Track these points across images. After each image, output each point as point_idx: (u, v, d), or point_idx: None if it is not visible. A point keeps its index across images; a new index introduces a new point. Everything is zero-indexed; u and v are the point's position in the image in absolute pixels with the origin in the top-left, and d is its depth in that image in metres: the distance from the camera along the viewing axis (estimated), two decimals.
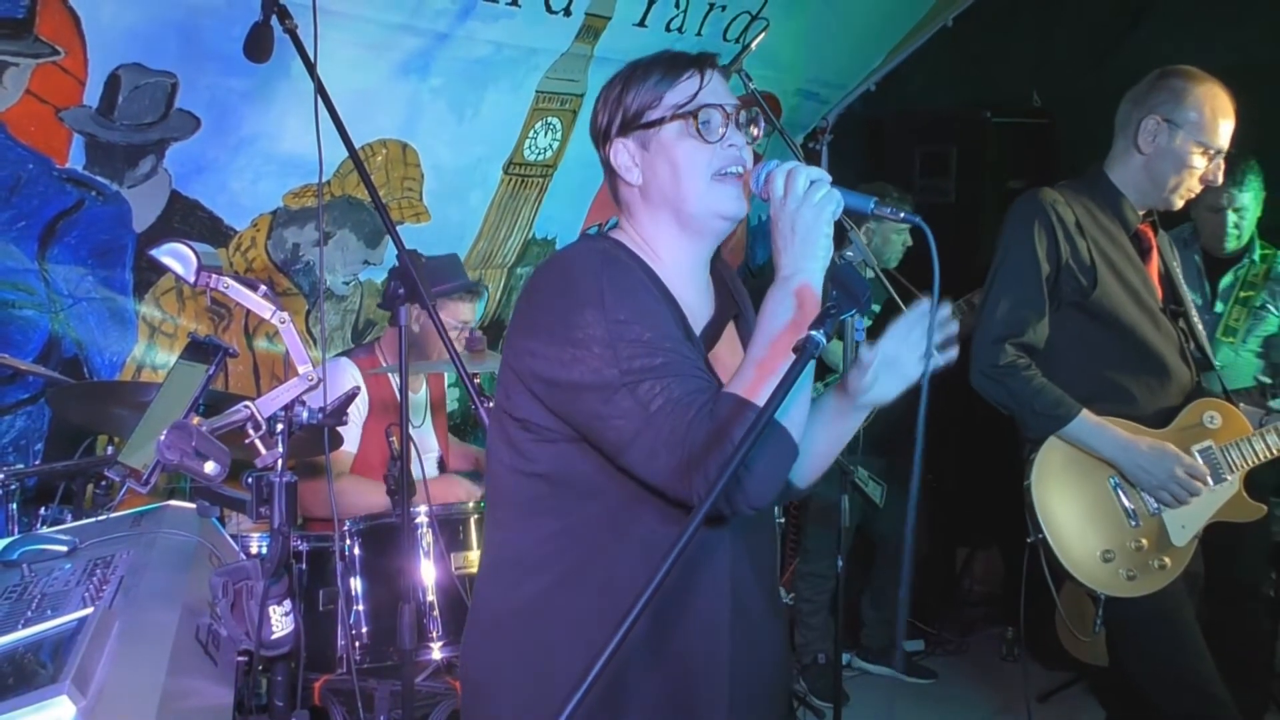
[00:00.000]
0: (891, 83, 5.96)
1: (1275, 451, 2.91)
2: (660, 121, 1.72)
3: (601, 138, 1.80)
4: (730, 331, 1.87)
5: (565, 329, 1.61)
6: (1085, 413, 2.83)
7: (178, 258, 2.10)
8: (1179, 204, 2.95)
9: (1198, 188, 2.90)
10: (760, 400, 1.51)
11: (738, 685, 1.75)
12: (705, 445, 1.52)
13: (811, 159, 5.97)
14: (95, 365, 3.73)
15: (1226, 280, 3.95)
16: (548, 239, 5.06)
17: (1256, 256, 3.95)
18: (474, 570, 3.13)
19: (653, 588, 1.22)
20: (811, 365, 1.59)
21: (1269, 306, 3.92)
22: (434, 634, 3.08)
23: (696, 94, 1.71)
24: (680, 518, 1.57)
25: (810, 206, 1.62)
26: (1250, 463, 2.91)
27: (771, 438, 1.54)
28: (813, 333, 1.49)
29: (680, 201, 1.73)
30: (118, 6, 3.22)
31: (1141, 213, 2.97)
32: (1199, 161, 2.85)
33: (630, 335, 1.58)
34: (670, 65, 1.74)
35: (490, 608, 1.79)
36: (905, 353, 1.76)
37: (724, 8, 4.73)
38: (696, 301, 1.81)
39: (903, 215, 1.66)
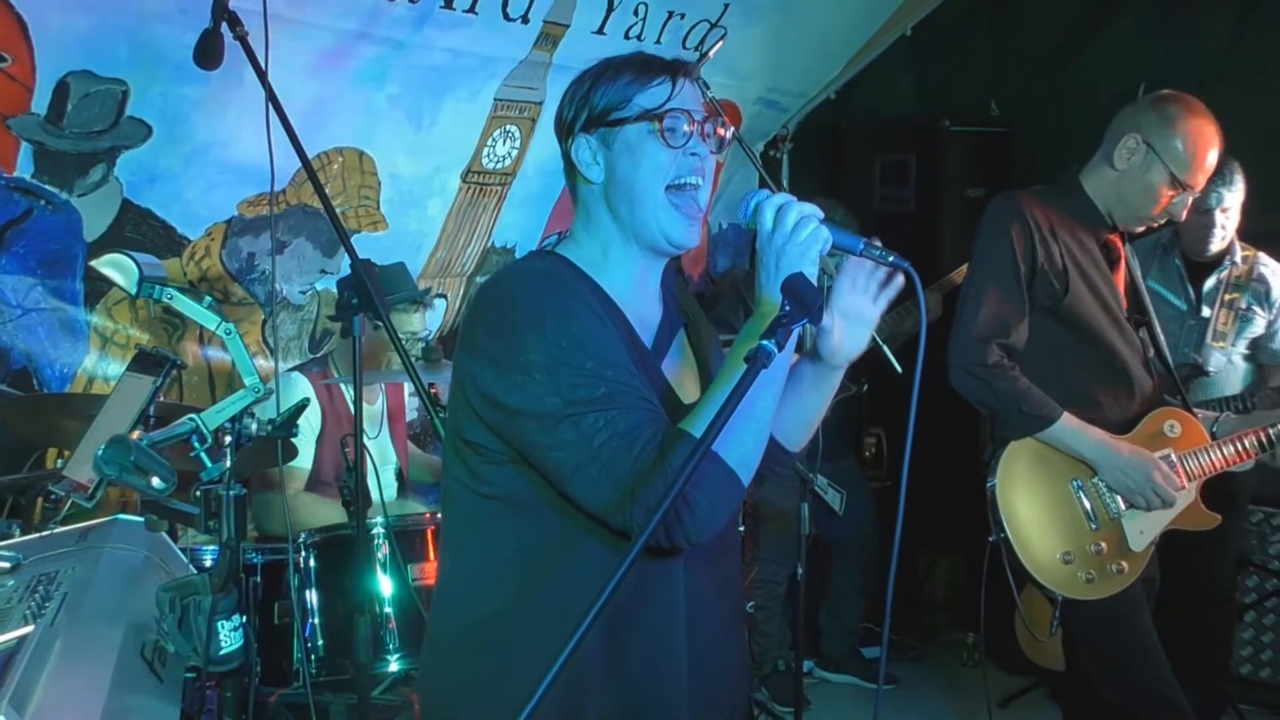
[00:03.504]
0: (851, 91, 5.98)
1: (1231, 462, 2.95)
2: (626, 120, 1.70)
3: (565, 132, 1.78)
4: (680, 341, 1.86)
5: (507, 354, 1.59)
6: (1067, 415, 2.85)
7: (119, 268, 2.07)
8: (1138, 229, 2.98)
9: (1161, 218, 2.91)
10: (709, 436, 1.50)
11: (698, 695, 1.73)
12: (650, 481, 1.51)
13: (772, 167, 5.99)
14: (45, 377, 3.67)
15: (1209, 284, 3.89)
16: (507, 247, 5.04)
17: (1238, 258, 3.88)
18: (431, 582, 3.11)
19: (590, 618, 1.24)
20: (775, 389, 1.61)
21: (1254, 308, 3.87)
22: (390, 646, 3.06)
23: (667, 100, 1.70)
24: (626, 544, 1.56)
25: (796, 244, 1.61)
26: (1207, 472, 2.95)
27: (715, 475, 1.54)
28: (763, 342, 1.49)
29: (635, 205, 1.72)
30: (66, 13, 3.18)
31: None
32: (1167, 193, 2.84)
33: (573, 362, 1.57)
34: (643, 68, 1.72)
35: (446, 628, 1.78)
36: (860, 301, 1.81)
37: (683, 15, 4.73)
38: (646, 310, 1.79)
39: (891, 259, 1.65)
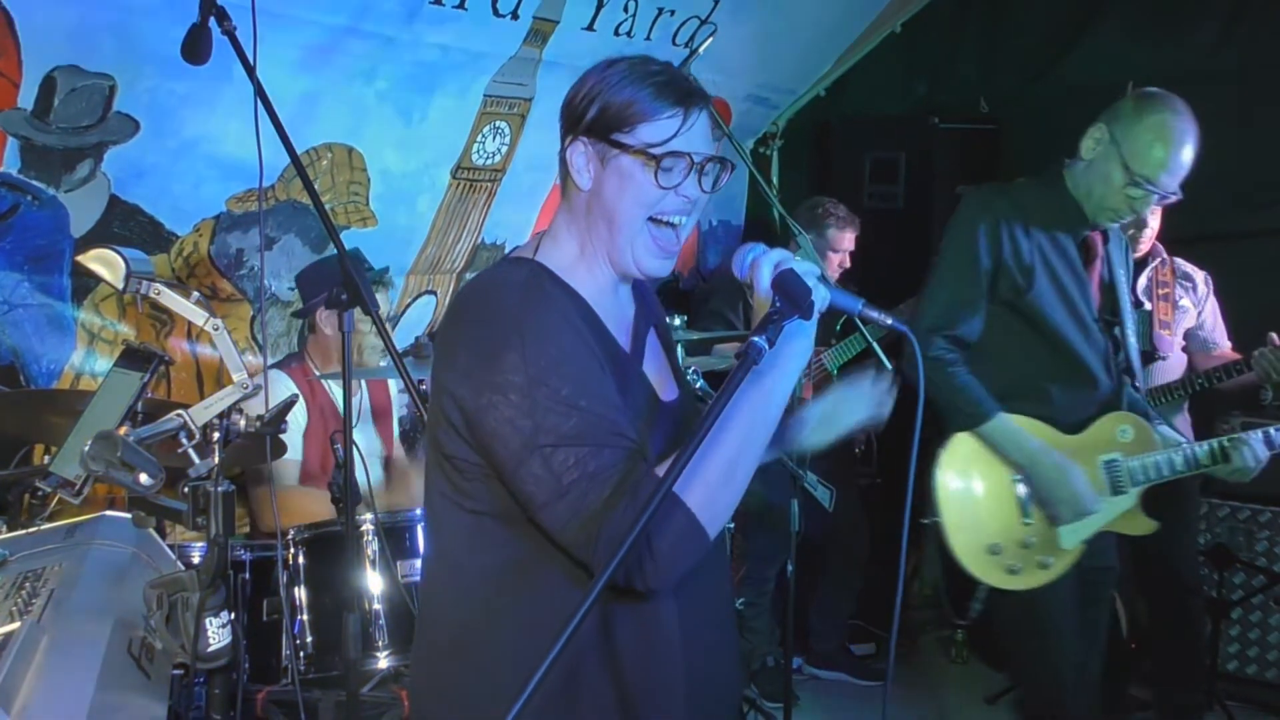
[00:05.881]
0: (841, 88, 5.99)
1: (1177, 471, 2.92)
2: (626, 148, 1.66)
3: (569, 126, 1.72)
4: (653, 338, 1.86)
5: (484, 371, 1.57)
6: (1001, 416, 2.87)
7: (106, 264, 2.06)
8: (1105, 222, 2.92)
9: (1126, 215, 2.87)
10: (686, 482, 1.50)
11: (697, 692, 1.73)
12: (619, 525, 1.49)
13: (762, 164, 6.00)
14: (32, 373, 3.65)
15: (1142, 282, 4.09)
16: (497, 244, 5.03)
17: (1164, 255, 4.12)
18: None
19: (561, 644, 1.26)
20: (769, 407, 1.58)
21: (1184, 299, 4.11)
22: (379, 643, 3.05)
23: (671, 139, 1.65)
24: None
25: None
26: (1150, 479, 2.93)
27: (680, 524, 1.52)
28: (755, 339, 1.49)
29: (613, 228, 1.70)
30: (53, 7, 3.16)
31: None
32: (1123, 187, 2.80)
33: (549, 384, 1.54)
34: (659, 93, 1.66)
35: (434, 632, 1.78)
36: (843, 413, 1.88)
37: (673, 12, 4.73)
38: (619, 311, 1.79)
39: (890, 322, 1.63)
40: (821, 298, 1.59)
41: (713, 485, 1.53)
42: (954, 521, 2.96)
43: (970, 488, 2.96)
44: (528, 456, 1.54)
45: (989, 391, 2.91)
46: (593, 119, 1.68)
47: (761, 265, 1.61)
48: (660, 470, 1.54)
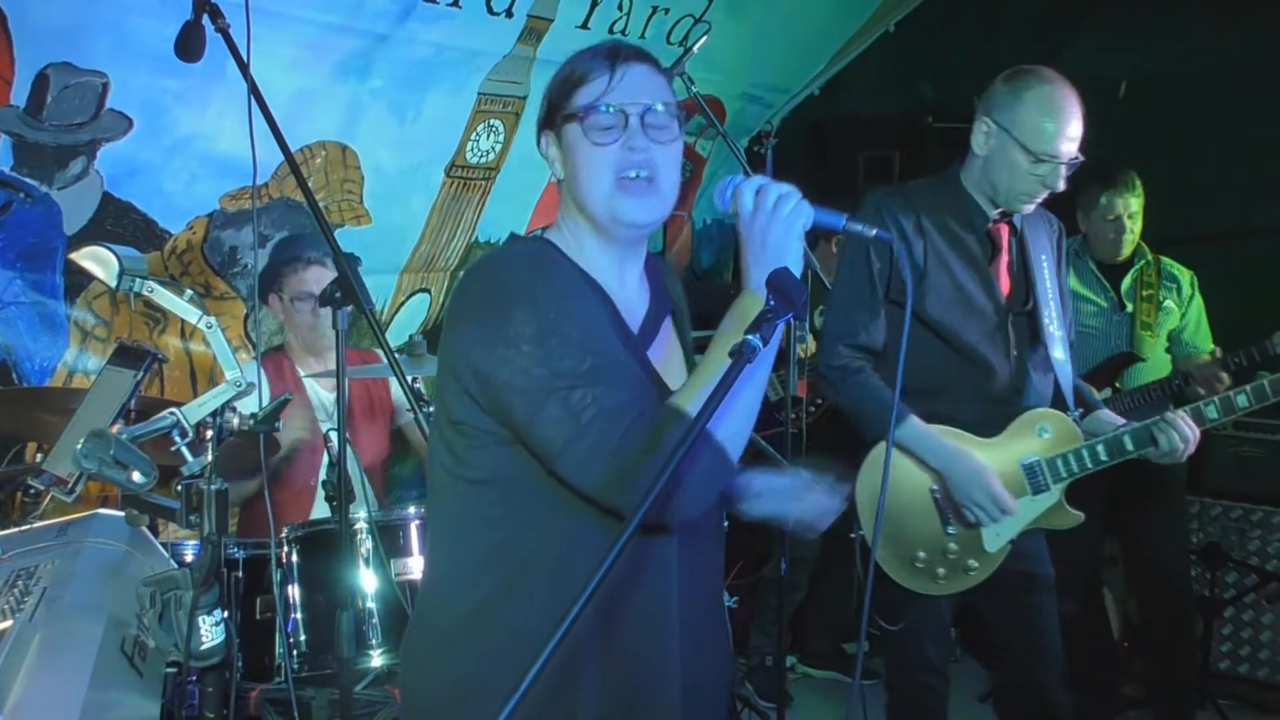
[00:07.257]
0: (835, 87, 6.00)
1: (1101, 463, 2.88)
2: (567, 119, 1.70)
3: (540, 126, 1.79)
4: (667, 328, 1.86)
5: (496, 327, 1.59)
6: (913, 420, 2.85)
7: (99, 261, 2.06)
8: (1022, 208, 2.88)
9: (1039, 192, 2.83)
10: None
11: (689, 683, 1.75)
12: (640, 457, 1.50)
13: (756, 163, 6.00)
14: (25, 371, 3.64)
15: (1126, 283, 4.11)
16: (491, 242, 5.03)
17: (1148, 257, 4.12)
18: (414, 576, 3.10)
19: (585, 597, 1.22)
20: (762, 375, 1.62)
21: (1168, 301, 4.12)
22: (373, 641, 3.04)
23: (601, 95, 1.68)
24: (617, 525, 1.56)
25: (780, 220, 1.61)
26: (1074, 473, 2.89)
27: (706, 452, 1.54)
28: (749, 337, 1.49)
29: (585, 203, 1.72)
30: (46, 4, 3.16)
31: (999, 211, 2.92)
32: (1030, 169, 2.78)
33: (561, 332, 1.56)
34: (584, 60, 1.72)
35: (433, 623, 1.78)
36: (787, 505, 1.89)
37: (667, 10, 4.73)
38: (630, 299, 1.80)
39: (875, 233, 1.66)
40: (806, 215, 1.64)
41: (725, 409, 1.54)
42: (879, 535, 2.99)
43: (891, 501, 2.92)
44: (545, 400, 1.55)
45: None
46: (546, 111, 1.75)
47: (743, 192, 1.66)
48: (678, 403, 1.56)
